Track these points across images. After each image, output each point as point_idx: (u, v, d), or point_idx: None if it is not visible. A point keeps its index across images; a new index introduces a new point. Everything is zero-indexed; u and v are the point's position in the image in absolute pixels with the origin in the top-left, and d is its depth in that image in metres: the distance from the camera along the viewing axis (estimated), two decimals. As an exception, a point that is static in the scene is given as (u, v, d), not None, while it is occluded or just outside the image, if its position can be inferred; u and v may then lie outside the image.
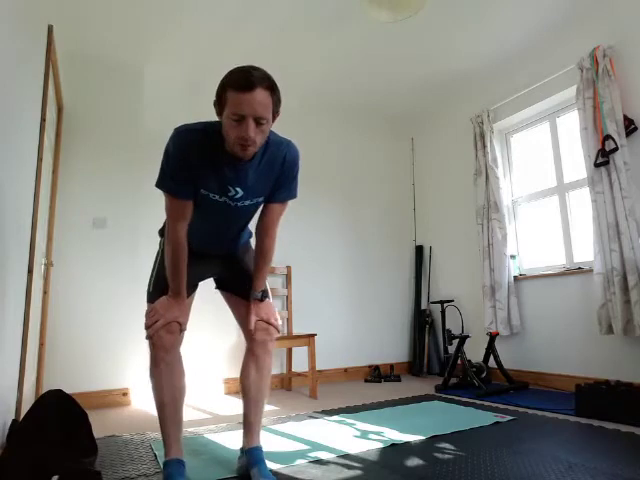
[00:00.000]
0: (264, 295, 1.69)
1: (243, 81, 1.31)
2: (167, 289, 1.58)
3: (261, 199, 1.61)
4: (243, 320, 1.72)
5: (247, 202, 1.57)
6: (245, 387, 1.69)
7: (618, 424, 2.26)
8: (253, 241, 1.78)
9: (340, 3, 2.96)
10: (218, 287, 1.85)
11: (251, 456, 1.64)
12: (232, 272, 1.78)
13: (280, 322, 1.73)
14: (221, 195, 1.52)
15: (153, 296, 1.63)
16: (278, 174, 1.58)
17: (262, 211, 1.66)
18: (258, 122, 1.35)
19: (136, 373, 3.25)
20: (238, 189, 1.52)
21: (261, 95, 1.33)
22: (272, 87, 1.37)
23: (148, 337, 1.54)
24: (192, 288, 1.73)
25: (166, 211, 1.54)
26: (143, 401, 3.22)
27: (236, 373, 3.57)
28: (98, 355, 3.17)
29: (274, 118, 1.43)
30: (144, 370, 3.28)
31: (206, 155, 1.46)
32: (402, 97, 4.31)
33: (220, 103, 1.39)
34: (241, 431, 1.75)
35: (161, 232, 1.78)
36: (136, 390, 3.22)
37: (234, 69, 1.37)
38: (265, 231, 1.66)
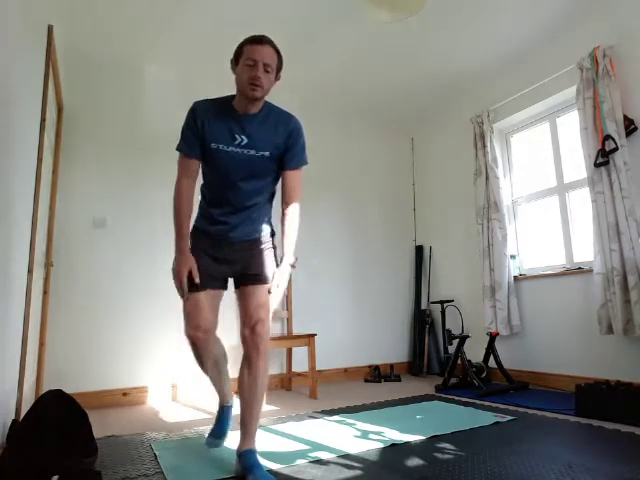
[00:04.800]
0: (294, 263, 1.85)
1: (258, 37, 1.74)
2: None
3: (267, 154, 1.80)
4: (247, 316, 1.81)
5: (252, 152, 1.78)
6: (239, 389, 1.79)
7: (618, 424, 2.26)
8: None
9: (340, 3, 2.96)
10: (235, 287, 1.93)
11: (245, 460, 1.66)
12: (246, 261, 1.85)
13: (283, 293, 1.87)
14: (229, 144, 1.76)
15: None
16: (286, 140, 1.84)
17: (283, 182, 1.87)
18: (265, 68, 1.72)
19: (136, 373, 3.25)
20: (243, 137, 1.77)
21: (269, 49, 1.73)
22: (277, 50, 1.78)
23: (185, 298, 1.78)
24: (218, 282, 1.87)
25: (178, 170, 1.84)
26: (143, 401, 3.23)
27: (236, 373, 3.56)
28: (98, 355, 3.16)
29: (277, 77, 1.82)
30: (144, 370, 3.28)
31: (215, 113, 1.79)
32: (402, 97, 4.31)
33: (237, 57, 1.78)
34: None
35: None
36: (136, 390, 3.22)
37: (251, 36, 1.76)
38: (288, 198, 1.87)
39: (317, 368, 3.42)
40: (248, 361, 1.77)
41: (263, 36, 1.75)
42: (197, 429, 2.42)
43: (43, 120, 2.39)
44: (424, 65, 3.76)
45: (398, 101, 4.39)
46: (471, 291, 4.02)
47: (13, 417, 2.07)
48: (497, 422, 2.36)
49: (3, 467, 1.55)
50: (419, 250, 4.65)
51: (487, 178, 3.80)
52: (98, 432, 2.18)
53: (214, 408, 3.00)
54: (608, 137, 2.88)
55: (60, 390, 1.97)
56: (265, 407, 2.98)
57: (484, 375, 3.42)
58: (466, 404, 2.86)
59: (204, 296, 1.80)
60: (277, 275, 1.80)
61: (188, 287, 1.76)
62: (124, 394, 3.18)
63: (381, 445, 2.02)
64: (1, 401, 1.84)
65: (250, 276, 1.84)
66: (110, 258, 3.31)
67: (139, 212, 3.46)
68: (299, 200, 1.89)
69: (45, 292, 2.95)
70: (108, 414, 2.87)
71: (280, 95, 4.17)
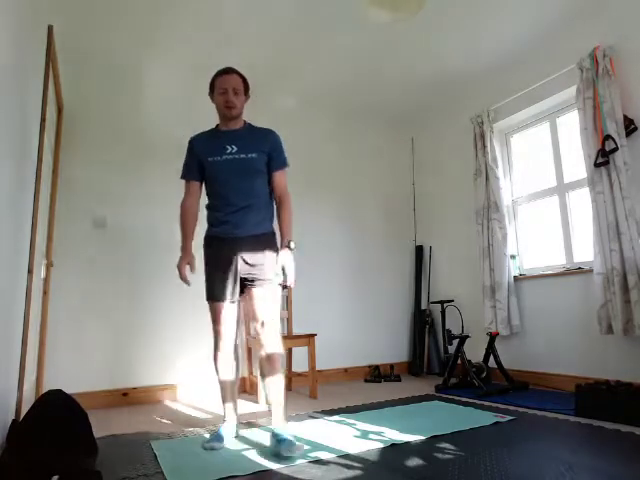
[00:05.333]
0: (292, 246, 2.13)
1: (224, 69, 2.21)
2: (214, 285, 2.15)
3: (254, 155, 2.19)
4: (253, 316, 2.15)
5: (242, 155, 2.18)
6: (263, 376, 2.18)
7: (618, 424, 2.26)
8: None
9: (340, 4, 2.96)
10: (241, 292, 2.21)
11: (273, 438, 1.99)
12: (260, 264, 2.13)
13: (294, 277, 2.12)
14: (222, 154, 2.18)
15: (206, 288, 2.19)
16: (268, 148, 2.23)
17: (272, 181, 2.26)
18: (235, 92, 2.18)
19: (136, 373, 3.25)
20: (233, 146, 2.19)
21: (235, 77, 2.20)
22: (242, 76, 2.23)
23: (210, 297, 2.18)
24: (234, 293, 2.14)
25: (184, 192, 2.28)
26: (143, 401, 3.23)
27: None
28: (98, 355, 3.17)
29: (247, 95, 2.27)
30: (144, 370, 3.28)
31: (207, 139, 2.27)
32: (402, 97, 4.31)
33: (212, 88, 2.23)
34: (241, 431, 1.97)
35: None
36: (136, 390, 3.22)
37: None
38: (279, 191, 2.26)
39: (317, 368, 3.42)
40: (267, 357, 2.12)
41: (229, 67, 2.22)
42: (197, 429, 2.42)
43: (43, 120, 2.39)
44: (424, 65, 3.76)
45: (398, 101, 4.39)
46: (471, 291, 4.02)
47: (13, 417, 2.07)
48: (497, 422, 2.36)
49: (3, 467, 1.55)
50: (419, 250, 4.65)
51: (487, 178, 3.80)
52: (98, 432, 2.18)
53: (214, 408, 3.00)
54: (608, 137, 2.88)
55: (60, 390, 1.97)
56: (265, 407, 2.98)
57: (484, 375, 3.42)
58: (466, 404, 2.86)
59: (224, 305, 2.16)
60: (280, 256, 2.10)
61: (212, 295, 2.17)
62: (124, 394, 3.18)
63: (381, 445, 2.02)
64: (1, 401, 1.84)
65: (257, 280, 2.13)
66: (110, 258, 3.31)
67: (139, 212, 3.46)
68: (287, 193, 2.26)
69: (45, 292, 2.95)
70: (108, 414, 2.87)
71: (280, 95, 4.18)
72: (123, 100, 3.54)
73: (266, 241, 2.17)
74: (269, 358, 2.08)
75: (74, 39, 3.24)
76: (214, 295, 2.14)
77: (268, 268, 2.12)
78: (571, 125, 3.45)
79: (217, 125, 2.29)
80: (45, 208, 2.83)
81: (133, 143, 3.53)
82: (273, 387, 2.09)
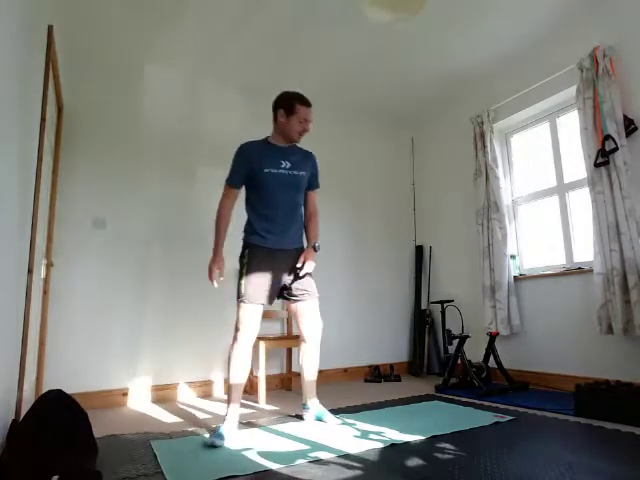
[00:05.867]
0: (318, 246, 2.50)
1: (308, 101, 2.45)
2: (254, 289, 2.32)
3: (303, 173, 2.48)
4: (308, 320, 2.48)
5: (294, 172, 2.44)
6: (302, 361, 2.58)
7: (618, 424, 2.26)
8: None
9: (340, 4, 2.96)
10: (285, 298, 2.51)
11: (315, 411, 2.47)
12: (300, 278, 2.43)
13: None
14: (277, 167, 2.39)
15: (246, 291, 2.32)
16: (310, 168, 2.54)
17: (306, 199, 2.58)
18: (311, 121, 2.46)
19: (136, 373, 3.25)
20: (287, 162, 2.43)
21: (311, 109, 2.46)
22: None
23: (247, 300, 2.31)
24: (273, 298, 2.39)
25: (223, 195, 2.44)
26: (143, 401, 3.23)
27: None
28: (98, 355, 3.16)
29: None
30: (144, 370, 3.28)
31: (261, 149, 2.43)
32: (402, 97, 4.31)
33: (291, 110, 2.40)
34: (241, 431, 2.04)
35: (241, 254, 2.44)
36: (136, 390, 3.22)
37: (296, 93, 2.47)
38: (312, 208, 2.61)
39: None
40: (309, 345, 2.55)
41: (306, 98, 2.45)
42: (197, 429, 2.42)
43: (43, 120, 2.39)
44: (424, 65, 3.76)
45: (398, 101, 4.39)
46: (471, 291, 4.02)
47: (13, 417, 2.07)
48: (497, 422, 2.36)
49: (3, 467, 1.55)
50: (419, 250, 4.65)
51: (487, 178, 3.80)
52: (98, 432, 2.18)
53: (214, 408, 3.00)
54: (608, 137, 2.88)
55: (60, 390, 1.97)
56: (265, 407, 2.98)
57: (484, 375, 3.41)
58: (466, 404, 2.86)
59: (258, 308, 2.34)
60: (305, 252, 2.44)
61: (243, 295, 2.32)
62: (124, 394, 3.18)
63: (381, 445, 2.02)
64: (1, 401, 1.83)
65: (300, 291, 2.44)
66: (110, 258, 3.31)
67: (139, 212, 3.45)
68: (317, 211, 2.62)
69: (45, 292, 2.95)
70: (108, 414, 2.87)
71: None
72: (123, 100, 3.54)
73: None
74: (312, 347, 2.54)
75: (74, 39, 3.24)
76: (253, 298, 2.30)
77: (308, 282, 2.47)
78: (571, 125, 3.45)
79: (267, 138, 2.50)
80: (45, 208, 2.83)
81: (133, 143, 3.52)
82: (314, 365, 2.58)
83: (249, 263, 2.34)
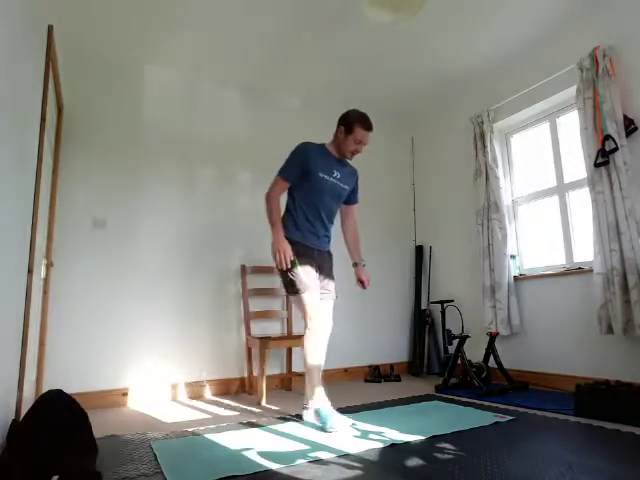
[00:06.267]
0: (364, 263, 2.82)
1: (369, 124, 2.59)
2: (310, 280, 2.48)
3: (347, 187, 2.69)
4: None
5: (341, 184, 2.64)
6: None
7: (618, 424, 2.26)
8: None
9: (340, 4, 2.96)
10: None
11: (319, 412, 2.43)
12: (326, 278, 2.64)
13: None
14: (330, 175, 2.58)
15: (306, 281, 2.46)
16: (354, 184, 2.77)
17: (346, 212, 2.85)
18: (364, 145, 2.61)
19: (136, 373, 3.25)
20: (338, 173, 2.62)
21: (370, 133, 2.60)
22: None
23: (309, 289, 2.45)
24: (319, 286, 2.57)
25: (273, 186, 2.55)
26: (143, 401, 3.23)
27: (235, 374, 3.57)
28: (98, 355, 3.16)
29: None
30: (144, 370, 3.28)
31: (320, 153, 2.60)
32: (402, 97, 4.31)
33: (350, 131, 2.55)
34: (241, 431, 2.01)
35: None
36: (136, 390, 3.22)
37: (360, 115, 2.61)
38: (353, 222, 2.87)
39: (317, 368, 3.41)
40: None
41: (370, 121, 2.60)
42: (197, 429, 2.42)
43: (43, 120, 2.39)
44: (424, 65, 3.76)
45: (398, 101, 4.39)
46: (471, 291, 4.02)
47: (13, 417, 2.07)
48: (497, 422, 2.36)
49: (3, 467, 1.55)
50: (419, 250, 4.65)
51: (487, 178, 3.80)
52: (98, 432, 2.18)
53: (214, 408, 3.00)
54: (608, 137, 2.88)
55: (60, 390, 1.97)
56: (265, 407, 2.98)
57: (484, 375, 3.41)
58: (466, 404, 2.86)
59: (318, 294, 2.52)
60: (361, 273, 2.80)
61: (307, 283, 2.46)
62: (124, 394, 3.18)
63: (381, 445, 2.02)
64: (1, 401, 1.84)
65: (323, 290, 2.60)
66: (110, 258, 3.31)
67: (139, 212, 3.46)
68: (357, 222, 2.87)
69: (45, 292, 2.95)
70: (108, 414, 2.87)
71: (280, 95, 4.19)
72: (123, 100, 3.54)
73: (331, 259, 2.75)
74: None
75: (74, 39, 3.24)
76: (313, 286, 2.47)
77: (332, 284, 2.69)
78: (571, 125, 3.45)
79: (325, 144, 2.65)
80: (45, 208, 2.83)
81: (133, 143, 3.52)
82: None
83: (298, 257, 2.46)
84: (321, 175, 2.53)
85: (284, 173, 2.55)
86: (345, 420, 2.32)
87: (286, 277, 2.47)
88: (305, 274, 2.45)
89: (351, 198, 2.79)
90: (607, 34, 3.05)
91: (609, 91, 2.93)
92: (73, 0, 2.87)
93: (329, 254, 2.74)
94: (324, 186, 2.55)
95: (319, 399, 2.39)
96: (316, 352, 2.45)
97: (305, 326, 2.48)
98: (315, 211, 2.57)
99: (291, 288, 2.47)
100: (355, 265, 2.81)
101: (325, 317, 2.56)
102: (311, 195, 2.55)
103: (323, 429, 2.28)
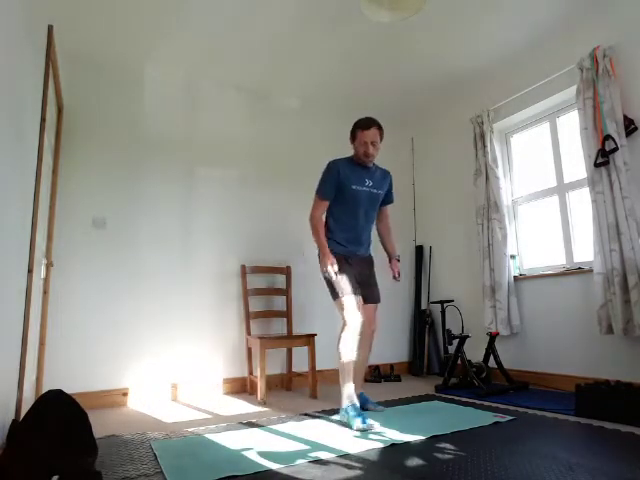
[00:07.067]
0: (399, 257, 3.02)
1: (366, 124, 2.66)
2: (352, 285, 2.62)
3: (381, 192, 2.82)
4: (367, 320, 2.69)
5: (375, 190, 2.77)
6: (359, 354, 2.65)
7: (618, 424, 2.26)
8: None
9: (340, 3, 2.96)
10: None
11: (361, 398, 2.72)
12: (367, 283, 2.78)
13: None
14: (363, 185, 2.72)
15: (346, 286, 2.61)
16: (387, 186, 2.89)
17: (382, 213, 3.01)
18: (372, 144, 2.67)
19: (136, 373, 3.25)
20: (370, 181, 2.76)
21: (374, 130, 2.66)
22: (380, 127, 2.69)
23: (347, 293, 2.58)
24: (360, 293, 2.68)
25: (315, 207, 2.72)
26: (142, 401, 3.23)
27: (236, 373, 3.57)
28: (98, 355, 3.16)
29: (381, 139, 2.72)
30: (144, 370, 3.28)
31: (349, 167, 2.73)
32: (402, 97, 4.31)
33: (354, 136, 2.72)
34: (241, 431, 2.06)
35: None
36: (136, 390, 3.22)
37: (361, 119, 2.70)
38: (385, 221, 3.04)
39: (317, 368, 3.42)
40: (367, 338, 2.75)
41: (370, 121, 2.66)
42: (197, 429, 2.42)
43: (43, 120, 2.39)
44: (424, 65, 3.76)
45: (398, 101, 4.39)
46: (471, 291, 4.02)
47: (13, 417, 2.07)
48: (497, 422, 2.36)
49: (3, 467, 1.55)
50: (419, 250, 4.65)
51: (487, 178, 3.80)
52: (98, 432, 2.18)
53: (214, 408, 3.00)
54: (608, 137, 2.88)
55: (60, 390, 1.97)
56: (265, 407, 2.98)
57: (484, 375, 3.41)
58: (466, 404, 2.86)
59: (358, 298, 2.62)
60: (395, 267, 2.95)
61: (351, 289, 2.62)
62: (124, 394, 3.18)
63: (381, 445, 2.02)
64: (1, 401, 1.84)
65: (370, 297, 2.77)
66: (110, 258, 3.31)
67: (139, 212, 3.45)
68: (390, 223, 3.05)
69: (45, 292, 2.95)
70: (108, 414, 2.87)
71: (280, 95, 4.18)
72: (123, 100, 3.54)
73: (372, 264, 2.88)
74: (364, 342, 2.66)
75: (74, 39, 3.24)
76: (356, 291, 2.61)
77: (374, 289, 2.82)
78: (571, 125, 3.45)
79: (353, 157, 2.78)
80: (45, 208, 2.83)
81: (133, 143, 3.52)
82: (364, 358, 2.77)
83: (340, 265, 2.62)
84: (354, 187, 2.68)
85: (322, 194, 2.70)
86: (370, 425, 2.31)
87: (329, 284, 2.66)
88: (344, 281, 2.60)
89: (387, 199, 2.94)
90: (607, 34, 3.05)
91: (609, 91, 2.93)
92: (73, 0, 2.87)
93: (370, 260, 2.87)
94: (359, 197, 2.70)
95: (347, 398, 2.50)
96: (348, 354, 2.54)
97: (341, 328, 2.60)
98: (354, 220, 2.72)
99: (333, 293, 2.65)
100: (391, 260, 2.98)
101: (364, 320, 2.62)
102: (348, 207, 2.71)
103: (349, 428, 2.36)
